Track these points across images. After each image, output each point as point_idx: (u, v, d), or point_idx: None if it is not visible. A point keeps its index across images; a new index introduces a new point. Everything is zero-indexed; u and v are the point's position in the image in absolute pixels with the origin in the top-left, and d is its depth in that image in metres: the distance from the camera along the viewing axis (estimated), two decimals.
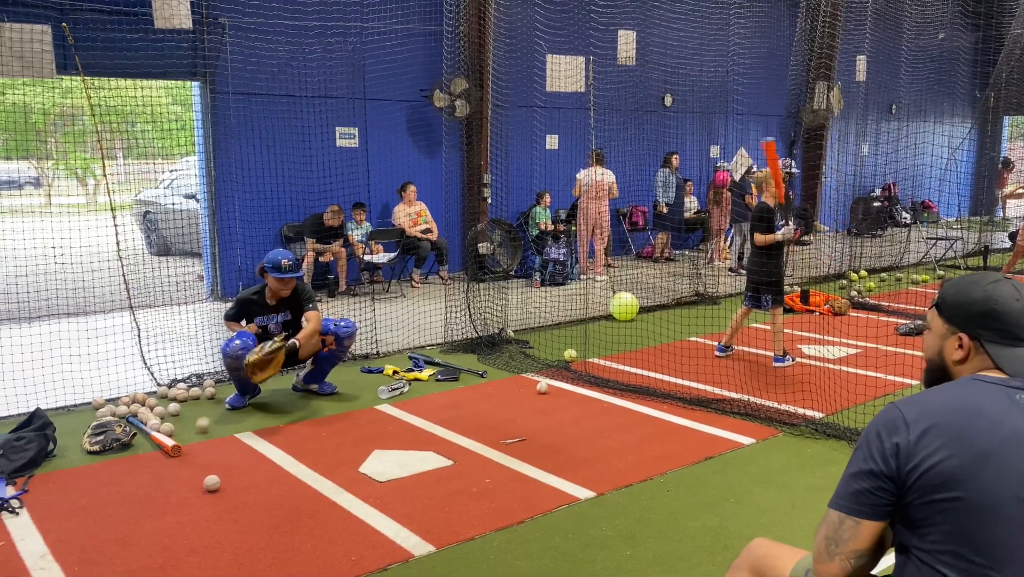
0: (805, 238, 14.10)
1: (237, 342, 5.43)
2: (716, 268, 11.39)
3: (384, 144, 10.60)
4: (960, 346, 1.87)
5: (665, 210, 12.08)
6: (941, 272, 11.21)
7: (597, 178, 10.85)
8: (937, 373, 1.94)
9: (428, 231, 10.56)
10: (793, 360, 6.63)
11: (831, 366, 6.50)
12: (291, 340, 5.51)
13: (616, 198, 11.45)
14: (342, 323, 5.92)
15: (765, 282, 6.54)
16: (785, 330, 6.92)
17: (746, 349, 7.08)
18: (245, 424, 5.32)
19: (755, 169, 12.04)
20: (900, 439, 1.74)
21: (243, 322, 5.73)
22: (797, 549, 2.14)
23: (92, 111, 6.56)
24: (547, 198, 11.32)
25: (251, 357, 5.32)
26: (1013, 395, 1.77)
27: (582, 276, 11.01)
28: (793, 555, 2.10)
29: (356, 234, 9.97)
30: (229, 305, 6.00)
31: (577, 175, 11.02)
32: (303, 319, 5.73)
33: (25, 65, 6.16)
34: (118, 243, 6.34)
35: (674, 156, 12.19)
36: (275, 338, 5.45)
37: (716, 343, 7.02)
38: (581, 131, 11.11)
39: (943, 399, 1.79)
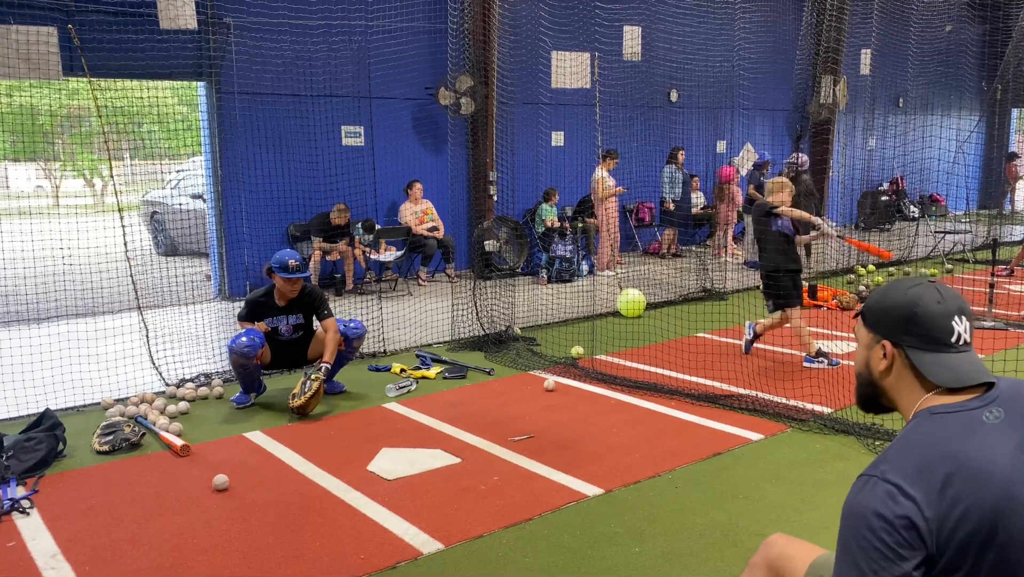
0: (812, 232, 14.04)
1: (244, 339, 5.44)
2: (723, 263, 11.36)
3: (390, 142, 10.61)
4: (884, 355, 1.77)
5: (672, 207, 12.06)
6: (950, 266, 11.14)
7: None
8: (868, 388, 1.86)
9: (434, 229, 10.57)
10: (823, 363, 6.34)
11: (839, 361, 6.47)
12: (322, 366, 5.52)
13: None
14: (352, 324, 5.93)
15: (764, 283, 6.52)
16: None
17: (756, 345, 7.05)
18: (253, 423, 5.33)
19: (761, 159, 12.04)
20: (917, 517, 1.53)
21: (255, 322, 5.75)
22: (813, 546, 2.10)
23: (99, 112, 6.58)
24: (555, 196, 11.30)
25: (297, 402, 5.34)
26: (979, 416, 1.64)
27: (599, 272, 11.02)
28: (808, 554, 2.06)
29: (363, 240, 9.98)
30: (240, 306, 6.02)
31: (601, 176, 10.91)
32: (321, 327, 5.76)
33: (31, 67, 6.17)
34: (126, 244, 6.37)
35: (679, 152, 12.16)
36: (310, 374, 5.45)
37: (725, 339, 6.99)
38: (587, 127, 11.09)
39: (926, 451, 1.59)
